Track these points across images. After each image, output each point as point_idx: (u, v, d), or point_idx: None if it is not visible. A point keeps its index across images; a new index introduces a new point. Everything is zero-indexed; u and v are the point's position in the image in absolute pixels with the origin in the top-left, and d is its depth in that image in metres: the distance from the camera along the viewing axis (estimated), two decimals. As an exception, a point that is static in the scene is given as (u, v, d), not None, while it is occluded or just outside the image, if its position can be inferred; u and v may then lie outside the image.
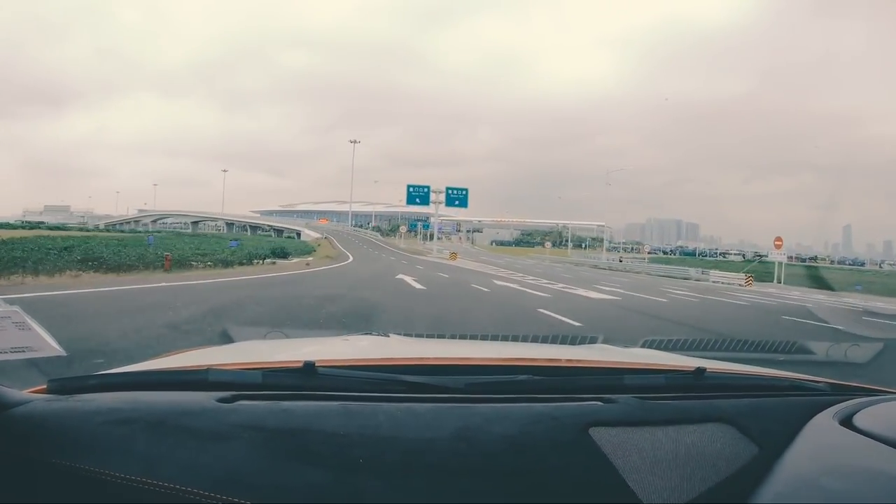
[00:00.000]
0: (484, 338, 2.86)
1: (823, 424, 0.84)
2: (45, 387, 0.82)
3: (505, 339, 2.71)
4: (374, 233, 63.03)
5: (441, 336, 3.60)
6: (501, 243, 71.67)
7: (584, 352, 1.57)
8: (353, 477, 0.66)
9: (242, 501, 0.62)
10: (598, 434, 0.74)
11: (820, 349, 6.42)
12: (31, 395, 0.77)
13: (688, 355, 1.66)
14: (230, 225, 69.67)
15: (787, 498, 0.67)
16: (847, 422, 0.83)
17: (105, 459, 0.66)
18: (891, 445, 0.73)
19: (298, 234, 56.08)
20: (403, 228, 52.41)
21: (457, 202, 34.00)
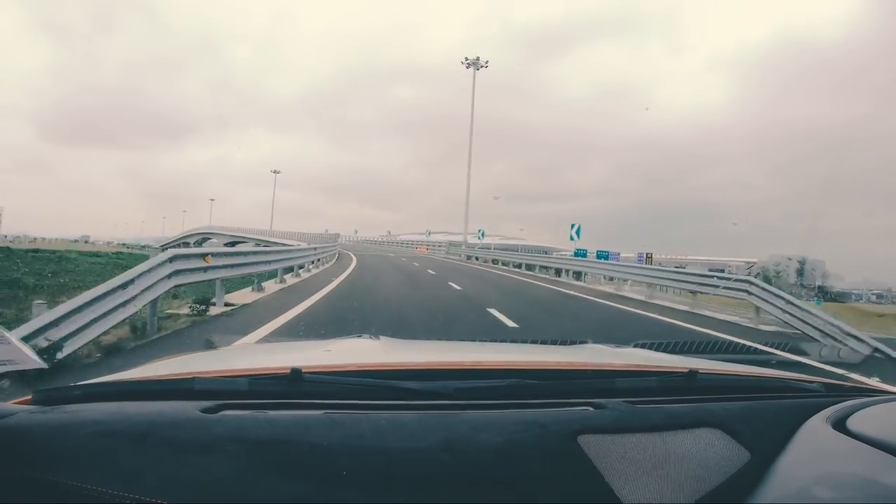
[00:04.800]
0: (475, 341, 2.85)
1: (816, 428, 0.83)
2: (30, 397, 0.81)
3: (495, 341, 2.69)
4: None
5: (430, 338, 3.58)
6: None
7: (575, 353, 1.57)
8: (336, 490, 0.65)
9: None
10: (587, 441, 0.74)
11: (813, 350, 6.44)
12: (16, 406, 0.77)
13: (681, 356, 1.66)
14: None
15: None
16: (840, 425, 0.83)
17: (89, 472, 0.65)
18: (884, 450, 0.72)
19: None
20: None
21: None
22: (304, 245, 18.14)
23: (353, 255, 26.89)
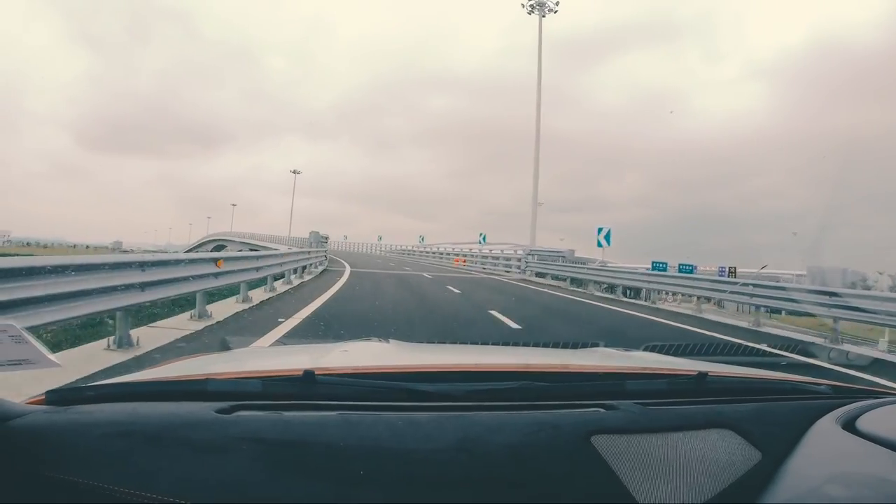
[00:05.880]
0: (485, 343, 2.84)
1: (826, 428, 0.83)
2: (43, 397, 0.81)
3: (506, 345, 2.69)
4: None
5: (441, 342, 3.57)
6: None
7: (586, 357, 1.56)
8: (353, 490, 0.65)
9: None
10: (600, 442, 0.74)
11: (822, 353, 6.39)
12: (29, 406, 0.77)
13: (690, 359, 1.65)
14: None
15: None
16: (849, 425, 0.83)
17: (103, 472, 0.65)
18: (893, 450, 0.72)
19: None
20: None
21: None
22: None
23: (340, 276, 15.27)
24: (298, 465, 0.67)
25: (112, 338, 4.56)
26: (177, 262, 5.72)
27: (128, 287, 4.50)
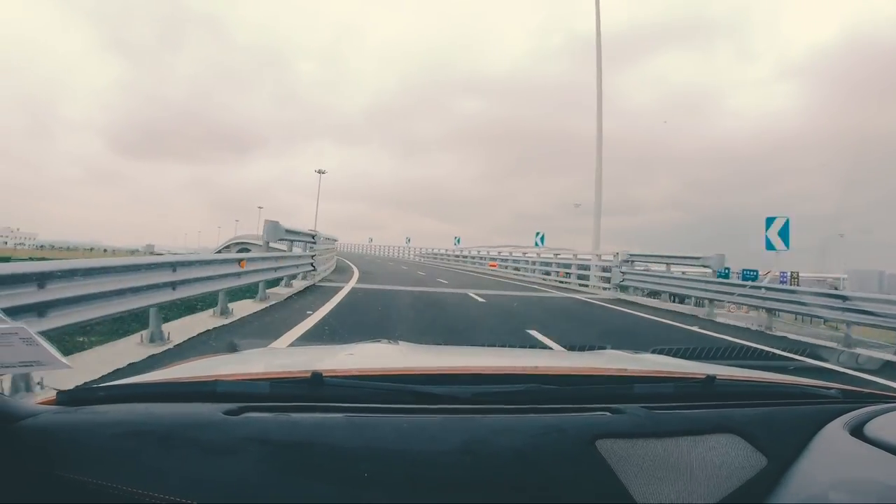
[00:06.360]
0: (493, 346, 2.84)
1: (833, 434, 0.83)
2: (54, 398, 0.82)
3: (513, 347, 2.68)
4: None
5: (449, 344, 3.58)
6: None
7: (593, 359, 1.56)
8: (359, 491, 0.66)
9: None
10: (606, 446, 0.74)
11: (832, 356, 6.34)
12: (40, 406, 0.78)
13: (698, 362, 1.65)
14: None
15: None
16: (858, 431, 0.83)
17: (113, 472, 0.66)
18: None
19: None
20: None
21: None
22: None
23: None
24: (305, 466, 0.68)
25: (144, 333, 4.77)
26: (204, 263, 6.06)
27: (160, 286, 4.81)
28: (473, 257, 29.25)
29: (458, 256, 32.03)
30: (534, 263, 21.24)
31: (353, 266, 20.15)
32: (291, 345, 4.71)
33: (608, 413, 0.84)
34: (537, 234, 24.97)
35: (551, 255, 20.66)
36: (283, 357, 1.74)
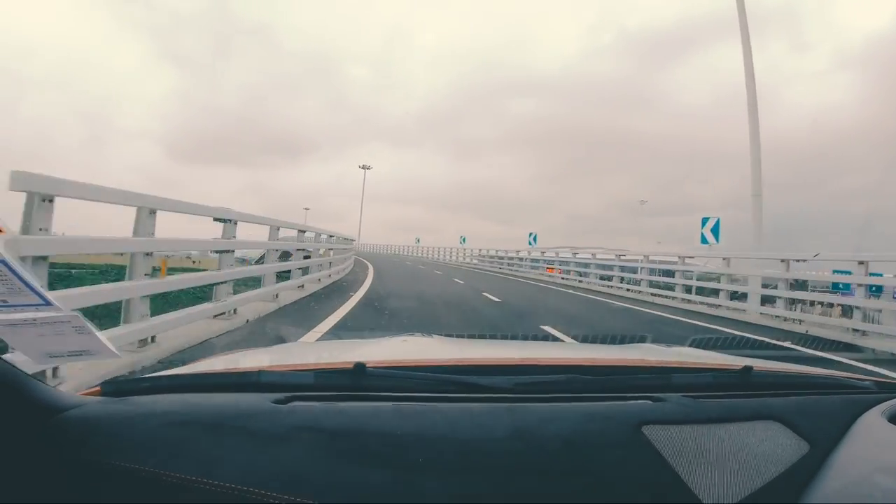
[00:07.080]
0: (525, 338, 2.82)
1: (872, 422, 0.84)
2: (98, 389, 0.83)
3: (546, 339, 2.67)
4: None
5: (483, 337, 3.58)
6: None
7: (630, 352, 1.55)
8: (413, 476, 0.65)
9: (307, 502, 0.62)
10: (652, 432, 0.74)
11: (866, 353, 6.17)
12: (85, 397, 0.79)
13: (734, 354, 1.63)
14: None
15: (842, 495, 0.67)
16: (895, 419, 0.83)
17: (164, 460, 0.66)
18: None
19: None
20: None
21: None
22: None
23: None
24: (358, 453, 0.68)
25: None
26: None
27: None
28: (542, 261, 22.02)
29: (520, 261, 24.39)
30: (634, 271, 14.76)
31: (373, 268, 18.70)
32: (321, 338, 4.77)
33: (650, 402, 0.84)
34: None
35: (641, 257, 14.34)
36: (321, 349, 1.76)
